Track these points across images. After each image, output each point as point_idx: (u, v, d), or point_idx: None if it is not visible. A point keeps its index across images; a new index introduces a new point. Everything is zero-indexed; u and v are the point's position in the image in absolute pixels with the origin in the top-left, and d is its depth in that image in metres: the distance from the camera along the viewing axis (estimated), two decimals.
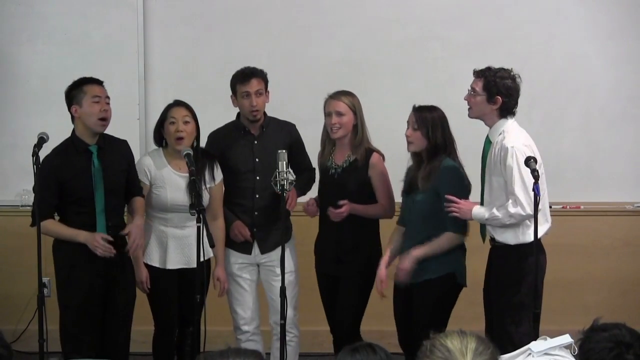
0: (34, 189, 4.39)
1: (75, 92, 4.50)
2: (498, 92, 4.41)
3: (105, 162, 4.51)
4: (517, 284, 4.36)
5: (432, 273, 4.51)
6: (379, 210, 4.76)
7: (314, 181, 4.97)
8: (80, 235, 4.43)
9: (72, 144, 4.51)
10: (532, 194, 4.17)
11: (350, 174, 4.72)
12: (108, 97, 4.55)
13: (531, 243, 4.30)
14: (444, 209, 4.45)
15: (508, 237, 4.42)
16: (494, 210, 4.36)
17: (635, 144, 5.88)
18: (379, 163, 4.73)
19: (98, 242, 4.39)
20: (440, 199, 4.46)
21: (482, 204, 4.52)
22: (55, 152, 4.50)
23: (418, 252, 4.50)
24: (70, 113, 4.51)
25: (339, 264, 4.73)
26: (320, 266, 4.90)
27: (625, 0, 5.82)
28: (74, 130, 4.54)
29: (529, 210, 4.23)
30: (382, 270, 4.64)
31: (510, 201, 4.31)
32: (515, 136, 4.39)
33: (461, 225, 4.52)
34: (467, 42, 5.77)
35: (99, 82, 4.54)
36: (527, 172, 4.23)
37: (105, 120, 4.49)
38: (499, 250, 4.48)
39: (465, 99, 4.50)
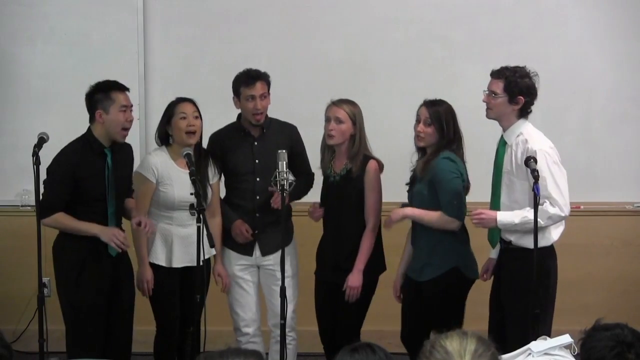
0: (44, 182, 4.39)
1: (101, 96, 4.46)
2: (520, 92, 4.31)
3: (116, 165, 4.53)
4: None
5: (437, 269, 4.48)
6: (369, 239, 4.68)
7: (312, 186, 4.92)
8: (95, 228, 4.43)
9: (88, 143, 4.48)
10: (566, 195, 4.17)
11: (347, 183, 4.67)
12: (132, 105, 4.56)
13: (549, 247, 4.28)
14: (438, 199, 4.40)
15: (527, 242, 4.25)
16: (526, 213, 4.20)
17: (635, 144, 5.88)
18: (374, 171, 4.63)
19: (116, 235, 4.39)
20: (434, 190, 4.41)
21: (494, 206, 4.44)
22: (73, 150, 4.46)
23: (408, 210, 4.48)
24: (93, 115, 4.48)
25: (337, 271, 4.67)
26: (320, 273, 4.84)
27: (625, 0, 5.81)
28: (90, 130, 4.50)
29: (567, 211, 4.18)
30: (397, 281, 4.68)
31: (547, 202, 4.22)
32: (539, 139, 4.33)
33: (455, 209, 4.43)
34: (467, 42, 5.76)
35: (125, 89, 4.52)
36: (559, 174, 4.21)
37: (127, 129, 4.51)
38: (514, 253, 4.38)
39: (484, 101, 4.41)
